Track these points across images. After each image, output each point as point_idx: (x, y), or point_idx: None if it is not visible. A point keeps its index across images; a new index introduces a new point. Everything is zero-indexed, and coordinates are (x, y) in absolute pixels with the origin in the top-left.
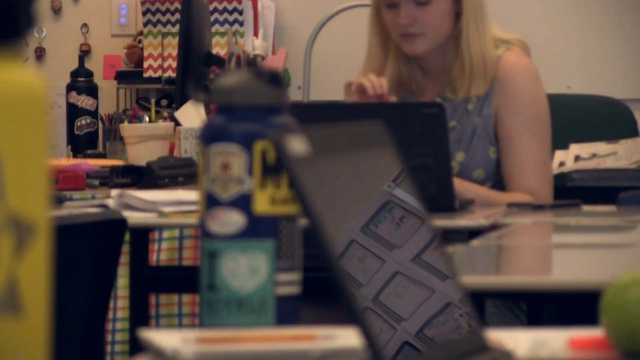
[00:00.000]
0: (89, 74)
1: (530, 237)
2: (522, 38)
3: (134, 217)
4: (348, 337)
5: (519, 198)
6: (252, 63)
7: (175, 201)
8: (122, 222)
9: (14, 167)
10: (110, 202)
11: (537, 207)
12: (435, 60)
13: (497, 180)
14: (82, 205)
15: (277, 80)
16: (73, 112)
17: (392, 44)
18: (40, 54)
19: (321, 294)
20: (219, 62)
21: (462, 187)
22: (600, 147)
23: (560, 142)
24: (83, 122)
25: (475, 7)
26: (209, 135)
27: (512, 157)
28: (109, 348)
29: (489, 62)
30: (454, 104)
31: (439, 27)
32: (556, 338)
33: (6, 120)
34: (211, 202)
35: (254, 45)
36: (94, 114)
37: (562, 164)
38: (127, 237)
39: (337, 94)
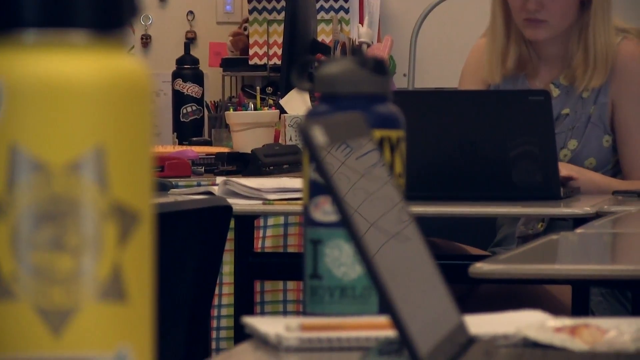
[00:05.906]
0: (195, 62)
1: (636, 225)
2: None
3: (238, 204)
4: None
5: None
6: (357, 51)
7: (280, 189)
8: (227, 209)
9: (118, 155)
10: (216, 190)
11: None
12: (554, 48)
13: (608, 169)
14: (188, 193)
15: (381, 68)
16: (179, 99)
17: (513, 24)
18: (146, 41)
19: None
20: (324, 49)
21: (582, 175)
22: None
23: None
24: (189, 109)
25: None
26: None
27: (630, 146)
28: (214, 334)
29: (610, 53)
30: (568, 91)
31: (565, 16)
32: None
33: (110, 109)
34: (315, 190)
35: (360, 32)
36: (199, 101)
37: None
38: (232, 224)
39: (442, 82)
